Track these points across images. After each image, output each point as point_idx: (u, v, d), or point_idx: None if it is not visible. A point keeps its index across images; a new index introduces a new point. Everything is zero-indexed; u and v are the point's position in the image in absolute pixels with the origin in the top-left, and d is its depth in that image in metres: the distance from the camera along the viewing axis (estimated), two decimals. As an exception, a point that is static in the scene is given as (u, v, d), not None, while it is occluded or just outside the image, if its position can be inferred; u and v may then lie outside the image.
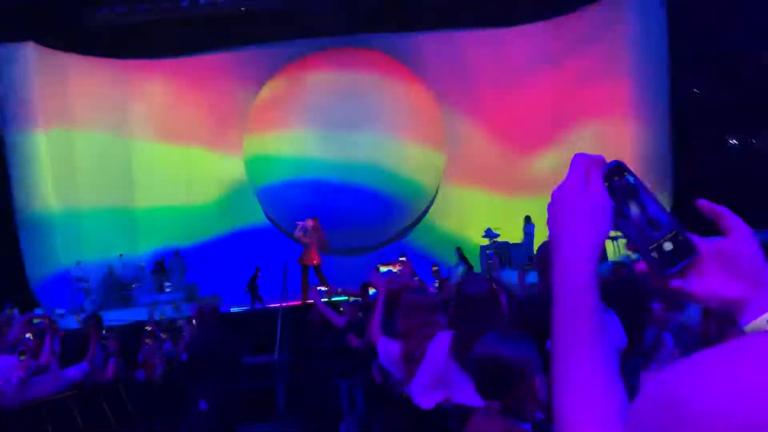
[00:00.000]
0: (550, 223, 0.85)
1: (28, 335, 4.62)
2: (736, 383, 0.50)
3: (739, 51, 12.09)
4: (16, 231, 13.86)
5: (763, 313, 0.77)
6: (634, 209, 0.82)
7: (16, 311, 5.71)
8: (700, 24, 12.34)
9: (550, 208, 0.86)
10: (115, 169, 15.38)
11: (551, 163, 14.34)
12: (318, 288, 6.30)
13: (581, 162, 0.84)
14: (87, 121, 14.99)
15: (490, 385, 1.97)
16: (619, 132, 13.82)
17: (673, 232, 0.80)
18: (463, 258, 12.57)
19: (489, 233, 12.86)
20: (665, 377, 0.57)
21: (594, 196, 0.83)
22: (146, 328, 6.89)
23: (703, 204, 0.81)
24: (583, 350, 0.78)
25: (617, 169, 0.84)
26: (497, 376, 1.94)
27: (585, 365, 0.78)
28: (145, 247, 14.97)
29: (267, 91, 15.51)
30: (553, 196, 0.85)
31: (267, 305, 12.65)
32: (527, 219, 13.18)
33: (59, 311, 11.82)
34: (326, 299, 6.19)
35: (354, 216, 14.33)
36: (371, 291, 5.53)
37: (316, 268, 11.89)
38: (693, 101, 13.09)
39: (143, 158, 15.62)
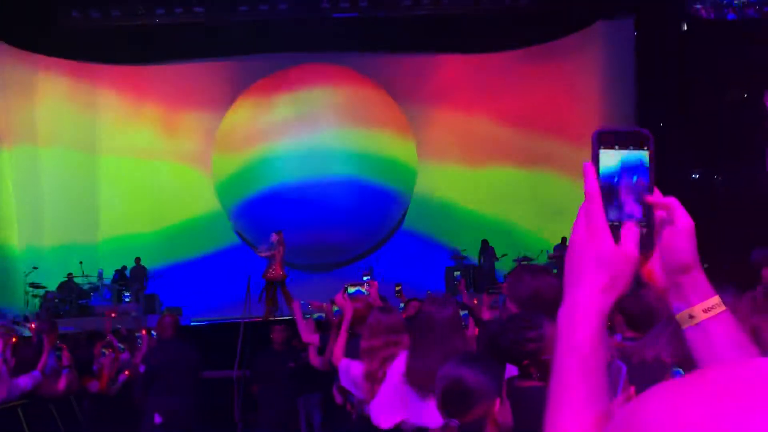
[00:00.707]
0: (564, 271, 0.81)
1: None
2: (696, 416, 0.51)
3: (702, 85, 12.48)
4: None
5: (683, 309, 0.84)
6: (623, 180, 0.80)
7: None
8: (666, 56, 12.74)
9: (565, 256, 0.82)
10: (80, 186, 15.03)
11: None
12: (301, 301, 6.12)
13: (584, 204, 0.79)
14: (52, 135, 14.63)
15: (451, 404, 2.05)
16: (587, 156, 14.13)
17: (643, 223, 0.79)
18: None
19: (455, 253, 12.94)
20: (629, 408, 0.57)
21: (600, 248, 0.77)
22: (106, 338, 6.73)
23: (654, 199, 0.81)
24: (573, 410, 0.74)
25: (639, 137, 0.81)
26: (458, 396, 2.02)
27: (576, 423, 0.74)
28: (108, 259, 14.60)
29: (237, 107, 15.43)
30: (570, 242, 0.81)
31: (228, 319, 12.49)
32: (484, 243, 13.26)
33: (11, 317, 11.47)
34: (309, 315, 6.07)
35: (328, 230, 14.35)
36: (334, 309, 5.49)
37: (281, 282, 11.82)
38: (658, 133, 13.42)
39: (109, 171, 15.33)
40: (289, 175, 14.65)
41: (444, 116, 15.66)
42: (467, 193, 15.55)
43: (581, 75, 14.59)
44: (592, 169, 0.79)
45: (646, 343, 2.33)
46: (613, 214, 0.78)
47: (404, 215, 15.82)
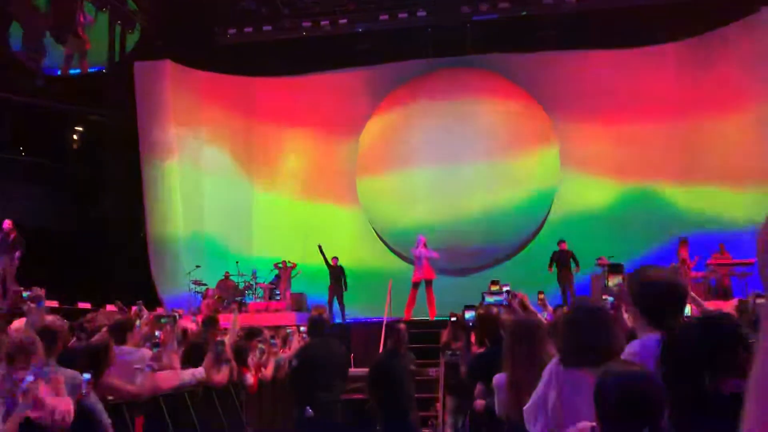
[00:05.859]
0: (759, 266, 0.76)
1: (157, 332, 4.93)
2: None
3: None
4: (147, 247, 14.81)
5: None
6: None
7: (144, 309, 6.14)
8: None
9: (758, 250, 0.77)
10: (237, 204, 16.11)
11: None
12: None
13: None
14: (213, 161, 15.80)
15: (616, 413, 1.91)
16: (747, 165, 12.94)
17: None
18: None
19: (601, 259, 12.35)
20: None
21: None
22: (263, 333, 7.18)
23: None
24: None
25: None
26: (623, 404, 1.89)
27: None
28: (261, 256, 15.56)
29: (379, 113, 15.85)
30: (759, 235, 0.77)
31: (372, 319, 12.87)
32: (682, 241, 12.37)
33: (177, 311, 12.46)
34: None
35: (466, 236, 14.39)
36: (468, 315, 5.51)
37: (426, 285, 12.07)
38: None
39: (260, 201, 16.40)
40: (428, 178, 14.81)
41: (592, 118, 14.92)
42: (614, 202, 14.81)
43: (745, 67, 13.35)
44: None
45: None
46: None
47: (544, 221, 15.38)
